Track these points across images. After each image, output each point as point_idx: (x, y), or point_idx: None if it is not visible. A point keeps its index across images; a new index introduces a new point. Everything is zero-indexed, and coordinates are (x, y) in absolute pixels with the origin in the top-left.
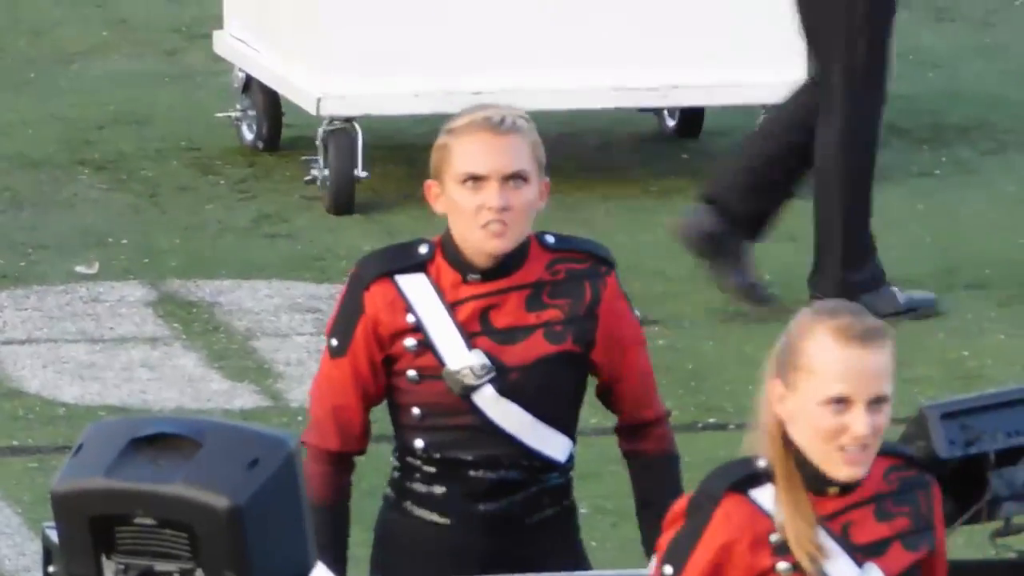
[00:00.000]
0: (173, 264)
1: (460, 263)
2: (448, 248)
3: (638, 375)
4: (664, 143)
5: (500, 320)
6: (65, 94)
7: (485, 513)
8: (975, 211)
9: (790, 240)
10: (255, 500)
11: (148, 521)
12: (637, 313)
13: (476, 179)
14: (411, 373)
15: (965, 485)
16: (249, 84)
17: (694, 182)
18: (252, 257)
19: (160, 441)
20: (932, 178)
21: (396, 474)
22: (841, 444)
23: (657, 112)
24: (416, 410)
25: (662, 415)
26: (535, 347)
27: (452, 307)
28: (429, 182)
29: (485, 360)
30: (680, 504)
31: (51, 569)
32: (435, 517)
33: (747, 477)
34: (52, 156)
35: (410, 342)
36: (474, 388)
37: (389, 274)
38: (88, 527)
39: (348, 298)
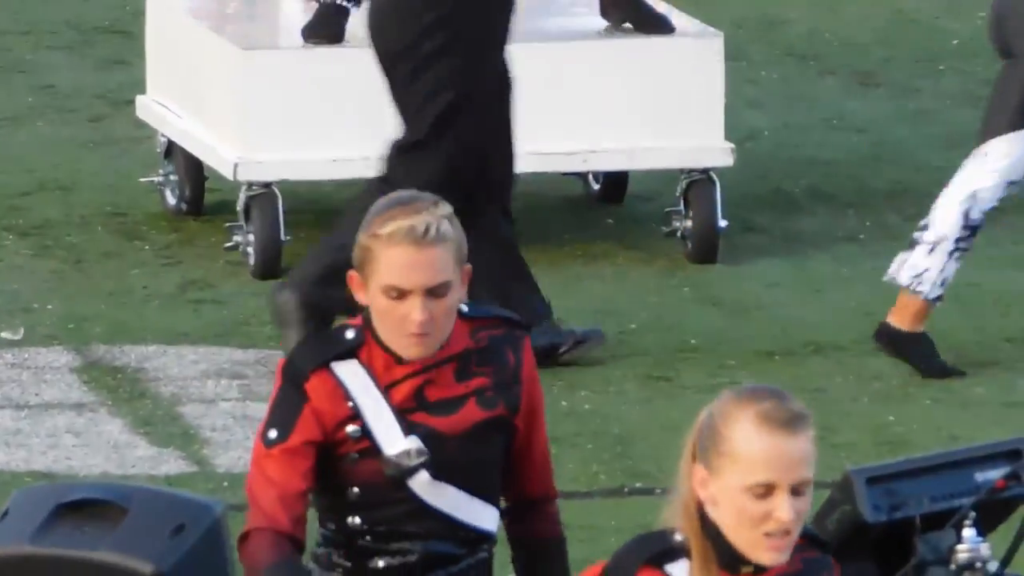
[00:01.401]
0: (98, 330)
1: (390, 348)
2: (375, 331)
3: (543, 445)
4: (589, 207)
5: (433, 393)
6: None
7: None
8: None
9: (713, 305)
10: (180, 567)
11: None
12: None
13: (400, 292)
14: (352, 456)
15: (891, 550)
16: (171, 149)
17: (619, 246)
18: (178, 323)
19: (86, 507)
20: (856, 243)
21: (322, 550)
22: (766, 530)
23: (581, 176)
24: (355, 489)
25: (555, 494)
26: (469, 414)
27: (387, 390)
28: (352, 273)
29: (420, 445)
30: (591, 574)
31: None
32: None
33: (663, 552)
34: None
35: (351, 428)
36: (410, 473)
37: (325, 364)
38: None
39: (286, 390)
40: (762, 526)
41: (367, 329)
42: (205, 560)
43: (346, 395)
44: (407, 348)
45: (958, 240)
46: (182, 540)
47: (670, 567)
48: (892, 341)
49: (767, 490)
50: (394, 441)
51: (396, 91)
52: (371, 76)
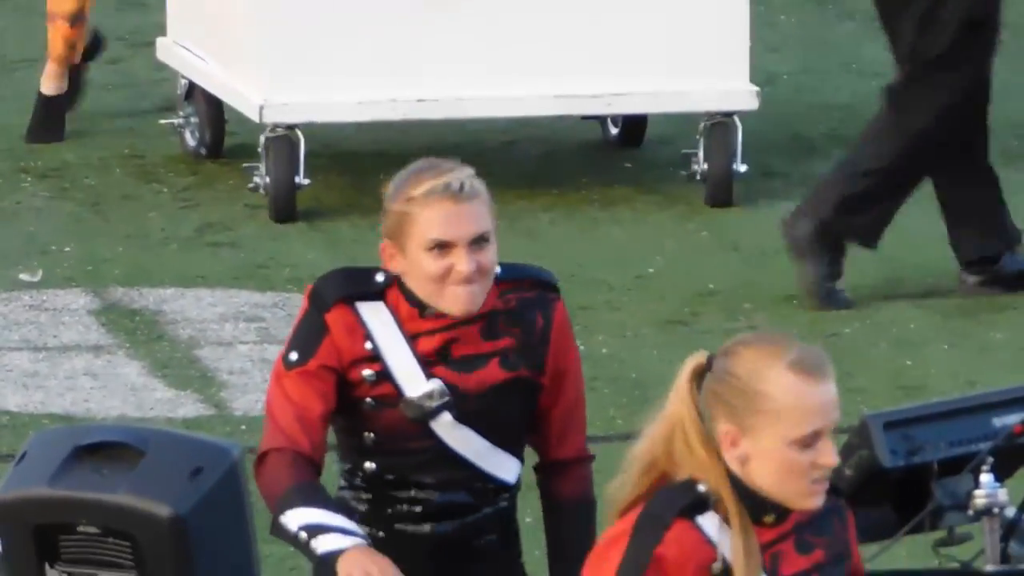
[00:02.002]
0: (116, 272)
1: (418, 300)
2: (405, 285)
3: (571, 403)
4: (607, 152)
5: (457, 350)
6: (8, 102)
7: (434, 535)
8: (919, 221)
9: (731, 249)
10: (198, 509)
11: (92, 530)
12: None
13: (443, 246)
14: (368, 400)
15: (908, 495)
16: (192, 91)
17: (637, 191)
18: (195, 266)
19: (104, 450)
20: None
21: (344, 493)
22: (814, 477)
23: (600, 120)
24: (370, 435)
25: (585, 456)
26: (490, 374)
27: (412, 338)
28: (384, 243)
29: (443, 387)
30: (624, 525)
31: None
32: (382, 537)
33: (693, 503)
34: None
35: (367, 372)
36: (432, 415)
37: (349, 299)
38: (32, 536)
39: (308, 317)
40: (811, 474)
41: (396, 279)
42: (223, 503)
43: (366, 334)
44: (454, 302)
45: None
46: (200, 483)
47: (700, 519)
48: None
49: (815, 438)
50: (416, 384)
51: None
52: (399, 17)
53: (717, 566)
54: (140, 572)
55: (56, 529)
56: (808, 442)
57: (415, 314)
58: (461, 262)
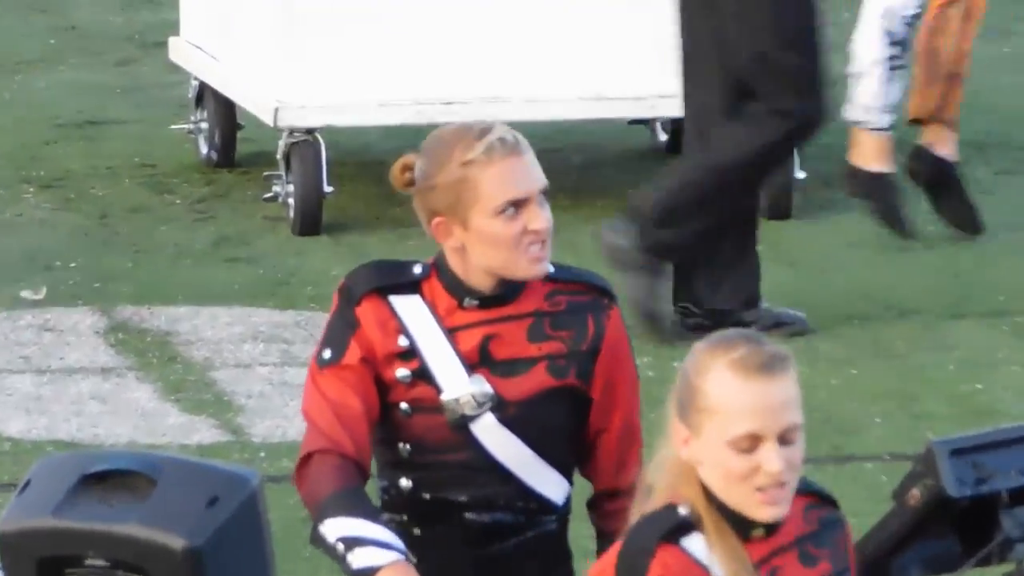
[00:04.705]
0: (126, 290)
1: (457, 287)
2: (444, 271)
3: (626, 424)
4: (655, 159)
5: (500, 351)
6: (9, 106)
7: (473, 559)
8: (989, 234)
9: (787, 264)
10: (214, 541)
11: (100, 563)
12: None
13: (517, 204)
14: (403, 406)
15: (975, 526)
16: (203, 95)
17: None
18: (211, 282)
19: (112, 478)
20: None
21: (382, 515)
22: (757, 485)
23: (648, 124)
24: (405, 446)
25: (627, 488)
26: (537, 380)
27: (451, 332)
28: (438, 219)
29: (487, 387)
30: (608, 560)
31: None
32: (419, 559)
33: (675, 527)
34: None
35: (402, 372)
36: (473, 418)
37: (381, 291)
38: (36, 569)
39: (339, 313)
40: (753, 481)
41: (434, 267)
42: (241, 535)
43: (400, 328)
44: (534, 263)
45: (890, 59)
46: (216, 514)
47: (686, 542)
48: (859, 182)
49: (752, 442)
50: (457, 383)
51: None
52: (421, 13)
53: None
54: None
55: (62, 562)
56: (745, 445)
57: (454, 306)
58: (537, 218)
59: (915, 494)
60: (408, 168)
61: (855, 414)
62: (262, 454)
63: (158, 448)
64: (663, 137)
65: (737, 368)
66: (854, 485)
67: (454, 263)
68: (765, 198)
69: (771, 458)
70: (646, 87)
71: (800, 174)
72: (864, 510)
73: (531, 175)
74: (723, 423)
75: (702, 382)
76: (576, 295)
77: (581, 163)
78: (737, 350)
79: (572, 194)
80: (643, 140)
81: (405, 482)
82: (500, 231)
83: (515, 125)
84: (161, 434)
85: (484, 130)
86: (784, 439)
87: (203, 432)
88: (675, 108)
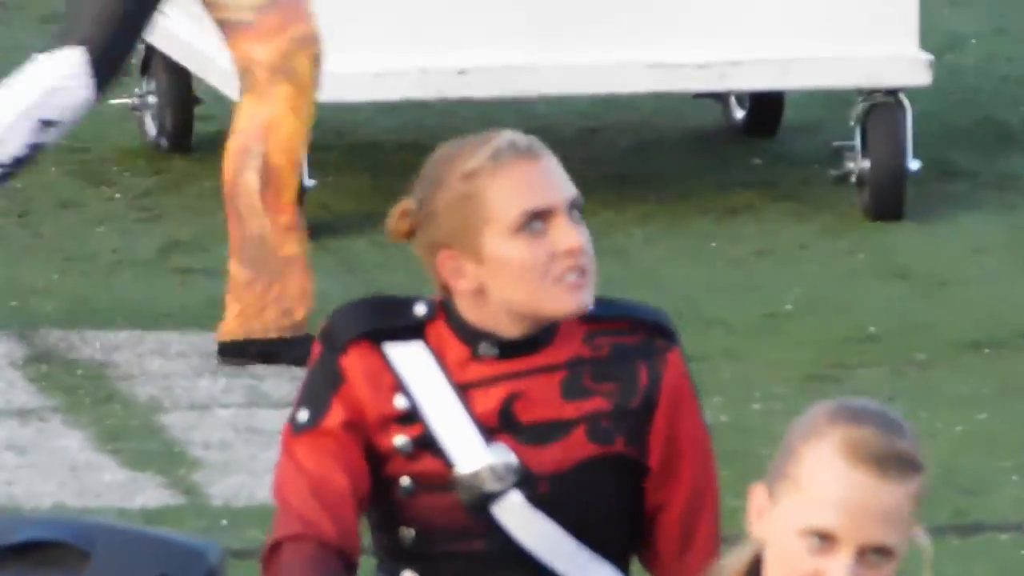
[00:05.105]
0: (50, 308)
1: (471, 332)
2: (454, 312)
3: (696, 496)
4: (727, 143)
5: (527, 412)
6: None
7: None
8: None
9: (899, 277)
10: None
11: None
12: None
13: (540, 217)
14: (404, 482)
15: None
16: (150, 61)
17: (767, 197)
18: (158, 299)
19: (33, 552)
20: None
21: None
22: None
23: (721, 99)
24: (408, 531)
25: None
26: (576, 448)
27: (463, 390)
28: (443, 254)
29: (511, 457)
30: None
31: None
32: None
33: None
34: None
35: (401, 440)
36: (494, 497)
37: (373, 336)
38: None
39: (320, 364)
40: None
41: (442, 306)
42: None
43: (397, 384)
44: (564, 296)
45: None
46: None
47: None
48: None
49: (825, 543)
50: (472, 454)
51: None
52: None
53: None
54: None
55: None
56: (817, 546)
57: (466, 356)
58: (568, 235)
59: None
60: (408, 213)
61: (984, 470)
62: (223, 521)
63: (92, 513)
64: (739, 115)
65: (848, 448)
66: (985, 561)
67: (467, 309)
68: (868, 193)
69: (838, 571)
70: (714, 52)
71: (914, 164)
72: None
73: (554, 182)
74: (803, 503)
75: (801, 444)
76: (622, 335)
77: (630, 147)
78: (861, 427)
79: (616, 186)
80: (712, 119)
81: (409, 574)
82: (521, 254)
83: (545, 101)
84: (96, 494)
85: (489, 136)
86: (863, 557)
87: (148, 492)
88: (750, 79)
